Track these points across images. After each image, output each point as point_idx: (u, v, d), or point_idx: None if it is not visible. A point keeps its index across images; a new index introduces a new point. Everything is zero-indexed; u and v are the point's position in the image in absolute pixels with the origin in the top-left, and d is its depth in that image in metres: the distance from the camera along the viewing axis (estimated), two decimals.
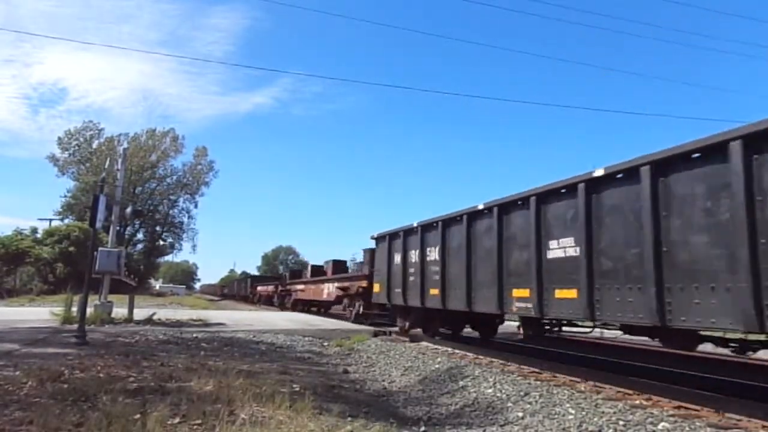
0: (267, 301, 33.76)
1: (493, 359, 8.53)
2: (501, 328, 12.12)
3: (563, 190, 6.94)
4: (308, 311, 24.64)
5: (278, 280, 32.78)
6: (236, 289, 49.90)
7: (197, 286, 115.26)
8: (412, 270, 11.23)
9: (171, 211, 54.63)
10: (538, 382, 6.49)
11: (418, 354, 9.29)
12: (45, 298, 26.32)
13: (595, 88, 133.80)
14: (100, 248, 14.29)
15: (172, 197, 53.49)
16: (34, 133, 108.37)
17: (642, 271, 5.54)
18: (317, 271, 24.11)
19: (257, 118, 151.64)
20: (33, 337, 9.49)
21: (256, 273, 67.58)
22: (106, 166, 23.78)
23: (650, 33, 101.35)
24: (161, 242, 54.87)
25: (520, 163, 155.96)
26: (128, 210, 29.03)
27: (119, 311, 13.97)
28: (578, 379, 6.75)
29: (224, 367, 6.49)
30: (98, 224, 10.72)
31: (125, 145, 38.33)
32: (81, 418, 3.92)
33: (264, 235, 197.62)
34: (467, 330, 12.15)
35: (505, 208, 8.16)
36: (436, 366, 8.05)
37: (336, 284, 18.82)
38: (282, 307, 28.23)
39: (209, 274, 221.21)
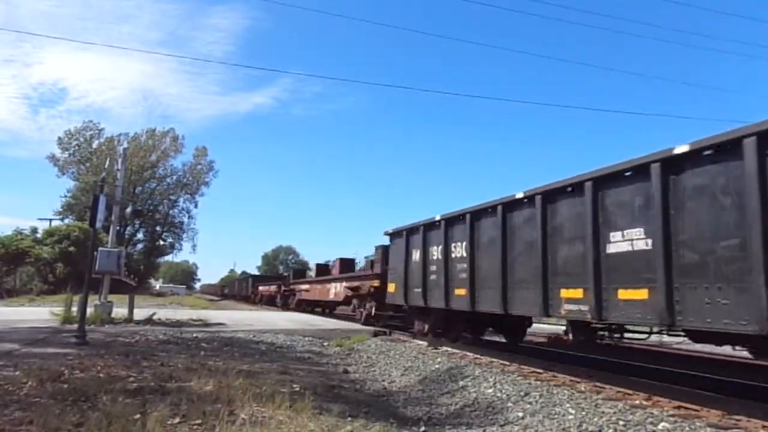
0: (269, 302, 33.50)
1: (493, 359, 8.52)
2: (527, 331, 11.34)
3: (628, 173, 6.01)
4: (313, 312, 24.09)
5: (281, 279, 32.53)
6: (237, 289, 49.88)
7: (197, 286, 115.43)
8: (433, 268, 10.38)
9: (171, 211, 54.81)
10: (538, 382, 6.48)
11: (418, 354, 9.28)
12: (45, 298, 26.32)
13: (595, 88, 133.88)
14: (100, 248, 14.30)
15: (172, 197, 53.60)
16: (34, 133, 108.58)
17: (744, 265, 4.62)
18: (322, 270, 23.72)
19: (257, 118, 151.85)
20: (33, 337, 9.49)
21: (256, 273, 67.57)
22: (106, 166, 23.81)
23: (650, 33, 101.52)
24: (161, 242, 54.94)
25: (520, 163, 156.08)
26: (128, 210, 29.05)
27: (119, 311, 13.98)
28: (578, 379, 6.74)
29: (224, 367, 6.49)
30: (98, 224, 10.72)
31: (125, 145, 38.30)
32: (81, 418, 3.92)
33: (264, 235, 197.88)
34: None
35: (551, 196, 7.25)
36: (436, 366, 8.05)
37: (345, 284, 17.94)
38: (285, 308, 27.80)
39: (209, 274, 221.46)
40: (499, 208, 8.31)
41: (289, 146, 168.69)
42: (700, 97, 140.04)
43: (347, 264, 20.20)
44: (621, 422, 4.68)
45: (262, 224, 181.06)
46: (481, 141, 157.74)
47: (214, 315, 17.94)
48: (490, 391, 6.26)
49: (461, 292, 9.24)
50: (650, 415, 4.82)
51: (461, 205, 9.94)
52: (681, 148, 5.33)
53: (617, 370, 7.63)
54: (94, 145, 48.74)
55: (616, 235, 6.06)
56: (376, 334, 12.59)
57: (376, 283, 14.67)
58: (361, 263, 22.08)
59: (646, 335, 7.83)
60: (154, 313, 14.94)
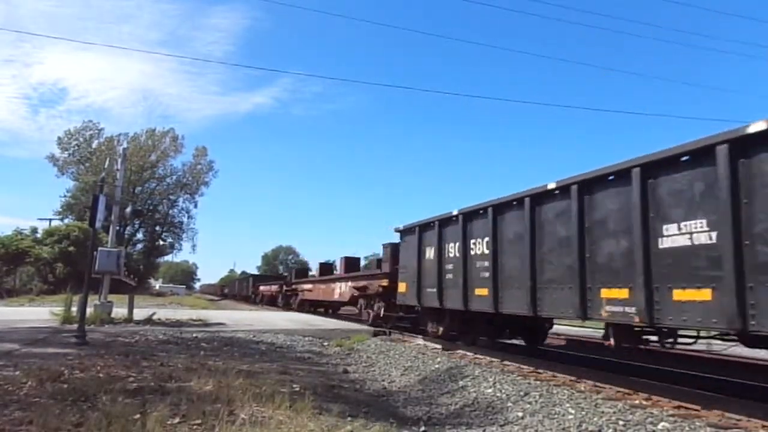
0: (270, 302, 33.35)
1: (493, 359, 8.52)
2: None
3: (685, 158, 5.39)
4: (315, 312, 23.81)
5: (282, 279, 32.35)
6: (237, 289, 49.86)
7: (197, 286, 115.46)
8: (450, 266, 9.74)
9: (171, 211, 54.87)
10: (538, 382, 6.48)
11: (418, 354, 9.28)
12: (45, 298, 26.32)
13: (595, 88, 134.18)
14: (99, 248, 14.28)
15: (171, 197, 53.65)
16: (34, 133, 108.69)
17: None
18: (326, 269, 23.41)
19: (257, 118, 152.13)
20: (33, 337, 9.48)
21: (256, 273, 67.58)
22: (105, 166, 23.81)
23: (650, 33, 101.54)
24: (161, 242, 54.96)
25: (520, 163, 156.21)
26: (128, 210, 29.02)
27: (119, 311, 13.96)
28: (578, 379, 6.75)
29: (224, 367, 6.48)
30: (98, 224, 10.72)
31: (125, 144, 38.22)
32: (81, 418, 3.92)
33: (264, 235, 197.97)
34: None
35: (589, 185, 6.64)
36: (436, 366, 8.05)
37: (350, 283, 17.30)
38: (287, 308, 27.56)
39: (209, 274, 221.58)
40: (527, 200, 7.65)
41: (289, 146, 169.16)
42: (700, 97, 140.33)
43: (352, 263, 19.66)
44: (621, 422, 4.68)
45: (262, 224, 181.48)
46: (481, 141, 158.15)
47: (213, 315, 17.92)
48: (489, 390, 6.26)
49: (482, 292, 8.67)
50: (650, 414, 4.82)
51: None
52: (756, 126, 4.62)
53: (617, 370, 7.63)
54: (94, 145, 48.83)
55: (670, 228, 5.43)
56: (375, 334, 12.58)
57: (384, 282, 14.08)
58: (362, 263, 21.83)
59: (693, 340, 6.76)
60: (153, 313, 14.93)
